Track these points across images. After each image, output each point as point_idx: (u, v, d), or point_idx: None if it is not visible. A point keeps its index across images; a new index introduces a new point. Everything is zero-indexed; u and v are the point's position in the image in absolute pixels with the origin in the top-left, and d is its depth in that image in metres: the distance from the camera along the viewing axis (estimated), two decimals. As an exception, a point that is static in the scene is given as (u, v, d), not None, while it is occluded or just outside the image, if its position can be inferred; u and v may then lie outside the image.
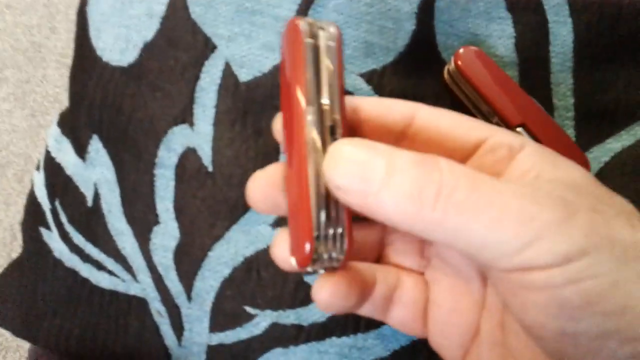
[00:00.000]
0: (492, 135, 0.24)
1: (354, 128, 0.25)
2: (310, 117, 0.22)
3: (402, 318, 0.27)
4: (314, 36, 0.22)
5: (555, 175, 0.23)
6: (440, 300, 0.27)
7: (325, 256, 0.23)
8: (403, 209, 0.21)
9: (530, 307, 0.21)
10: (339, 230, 0.22)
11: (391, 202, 0.21)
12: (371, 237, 0.28)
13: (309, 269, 0.23)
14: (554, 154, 0.24)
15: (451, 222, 0.20)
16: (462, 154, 0.25)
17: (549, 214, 0.20)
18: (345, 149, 0.22)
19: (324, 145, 0.22)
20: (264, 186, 0.25)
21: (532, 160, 0.23)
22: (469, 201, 0.20)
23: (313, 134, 0.22)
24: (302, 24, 0.22)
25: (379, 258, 0.29)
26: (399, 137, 0.25)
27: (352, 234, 0.23)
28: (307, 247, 0.22)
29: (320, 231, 0.22)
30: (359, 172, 0.21)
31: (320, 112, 0.22)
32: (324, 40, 0.22)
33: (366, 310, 0.27)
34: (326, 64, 0.22)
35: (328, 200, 0.22)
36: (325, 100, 0.22)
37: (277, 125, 0.26)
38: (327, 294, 0.24)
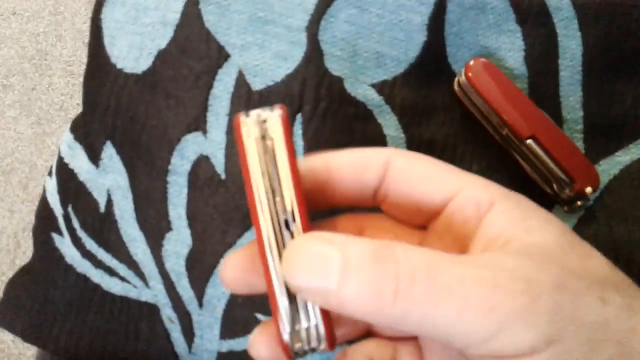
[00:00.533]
0: (462, 189, 0.23)
1: (328, 188, 0.25)
2: (260, 215, 0.22)
3: None
4: (260, 125, 0.22)
5: (524, 242, 0.22)
6: None
7: (307, 348, 0.22)
8: (364, 306, 0.20)
9: None
10: (313, 322, 0.22)
11: (351, 300, 0.20)
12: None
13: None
14: (526, 210, 0.23)
15: (414, 315, 0.20)
16: (432, 209, 0.24)
17: (510, 302, 0.19)
18: (300, 249, 0.21)
19: (279, 242, 0.22)
20: (237, 269, 0.24)
21: (501, 223, 0.22)
22: (429, 294, 0.19)
23: (266, 234, 0.22)
24: (244, 120, 0.22)
25: (370, 331, 0.28)
26: (374, 190, 0.25)
27: (330, 323, 0.22)
28: (284, 343, 0.22)
29: (292, 327, 0.22)
30: (315, 272, 0.20)
31: (272, 206, 0.22)
32: (269, 129, 0.22)
33: None
34: (271, 157, 0.22)
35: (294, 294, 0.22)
36: (276, 194, 0.22)
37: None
38: None
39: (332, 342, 0.22)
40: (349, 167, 0.24)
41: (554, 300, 0.19)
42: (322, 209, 0.25)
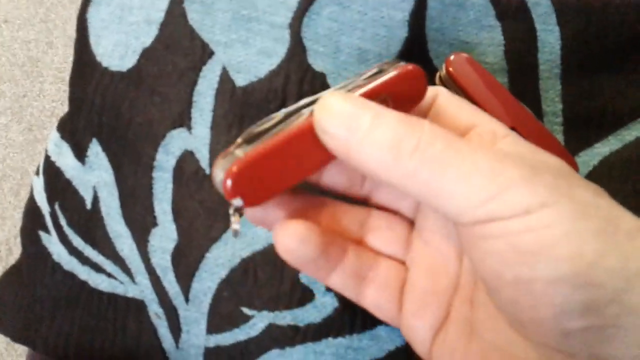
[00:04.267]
0: (484, 122, 0.27)
1: None
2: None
3: (376, 299, 0.28)
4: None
5: (534, 159, 0.24)
6: (417, 282, 0.28)
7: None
8: (382, 158, 0.23)
9: (488, 256, 0.23)
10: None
11: (372, 151, 0.23)
12: (352, 218, 0.29)
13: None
14: (534, 145, 0.26)
15: (424, 173, 0.22)
16: (459, 132, 0.27)
17: (516, 171, 0.22)
18: (337, 98, 0.24)
19: None
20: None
21: (512, 147, 0.25)
22: (443, 156, 0.22)
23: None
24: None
25: (359, 243, 0.29)
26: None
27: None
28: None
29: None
30: (346, 121, 0.23)
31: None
32: None
33: (337, 281, 0.28)
34: None
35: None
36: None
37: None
38: (286, 236, 0.26)
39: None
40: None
41: (554, 180, 0.22)
42: None
